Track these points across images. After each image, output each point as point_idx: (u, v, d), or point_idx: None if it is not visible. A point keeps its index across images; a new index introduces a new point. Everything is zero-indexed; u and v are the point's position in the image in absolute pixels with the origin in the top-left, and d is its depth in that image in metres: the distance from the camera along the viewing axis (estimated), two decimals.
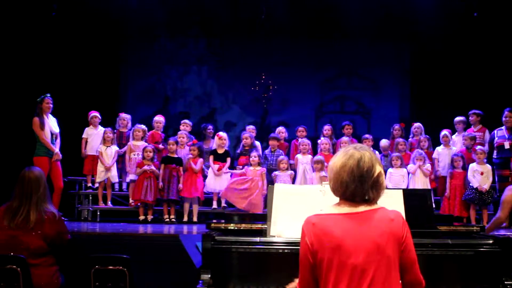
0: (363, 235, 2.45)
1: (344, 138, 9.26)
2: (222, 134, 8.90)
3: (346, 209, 2.54)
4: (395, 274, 2.46)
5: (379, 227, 2.47)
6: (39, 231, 4.09)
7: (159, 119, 9.35)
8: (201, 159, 8.52)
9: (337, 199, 2.63)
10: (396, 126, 9.71)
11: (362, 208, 2.53)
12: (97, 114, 9.17)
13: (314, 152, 9.24)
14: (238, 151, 9.05)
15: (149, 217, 8.38)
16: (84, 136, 9.08)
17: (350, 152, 2.55)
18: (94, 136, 9.04)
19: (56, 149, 8.15)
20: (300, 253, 2.55)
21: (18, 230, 4.08)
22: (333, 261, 2.44)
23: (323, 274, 2.47)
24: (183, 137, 8.95)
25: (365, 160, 2.52)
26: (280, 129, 9.75)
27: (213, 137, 9.27)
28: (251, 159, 8.52)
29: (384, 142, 9.31)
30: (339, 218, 2.51)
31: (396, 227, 2.48)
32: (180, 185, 8.33)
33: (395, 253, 2.45)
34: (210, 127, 9.66)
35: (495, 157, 8.61)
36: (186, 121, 9.62)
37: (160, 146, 9.02)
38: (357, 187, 2.51)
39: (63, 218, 4.50)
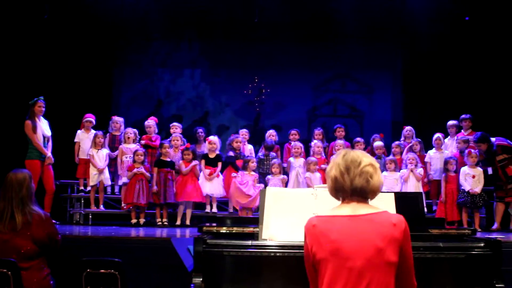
0: (363, 238, 2.45)
1: (339, 141, 9.27)
2: (212, 138, 8.88)
3: (347, 210, 2.55)
4: (392, 279, 2.46)
5: (380, 232, 2.46)
6: (27, 233, 4.06)
7: (148, 123, 9.34)
8: (192, 162, 8.51)
9: (333, 202, 2.65)
10: (376, 137, 9.55)
11: (364, 211, 2.53)
12: (91, 119, 9.12)
13: (307, 155, 9.24)
14: (232, 154, 9.01)
15: (141, 221, 8.36)
16: (76, 140, 9.04)
17: (337, 153, 2.64)
18: (86, 140, 9.00)
19: (49, 152, 8.13)
20: (304, 254, 2.60)
21: (7, 233, 4.05)
22: (331, 263, 2.45)
23: (321, 275, 2.48)
24: (178, 140, 8.95)
25: (350, 153, 2.58)
26: (271, 132, 9.72)
27: (204, 141, 9.25)
28: (251, 164, 8.50)
29: (377, 143, 9.27)
30: (340, 220, 2.52)
31: (398, 231, 2.47)
32: (174, 189, 8.33)
33: (395, 257, 2.45)
34: (200, 130, 9.63)
35: None
36: (176, 123, 9.59)
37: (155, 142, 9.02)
38: (345, 178, 2.53)
39: (54, 221, 4.48)
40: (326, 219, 2.55)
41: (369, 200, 2.59)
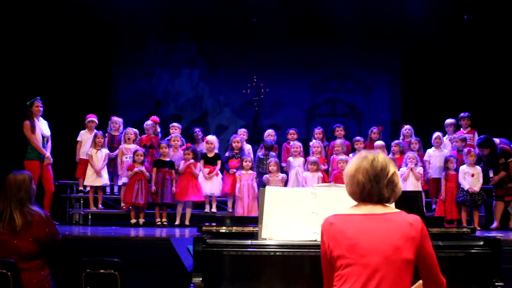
0: (380, 236, 2.49)
1: (338, 141, 9.24)
2: (209, 138, 8.90)
3: (364, 210, 2.59)
4: (408, 277, 2.49)
5: (398, 230, 2.50)
6: (28, 233, 4.06)
7: (147, 126, 9.34)
8: (199, 163, 8.55)
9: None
10: (374, 130, 9.70)
11: (381, 210, 2.58)
12: (94, 118, 9.13)
13: (306, 154, 9.24)
14: (228, 154, 9.02)
15: (141, 221, 8.37)
16: (78, 139, 9.05)
17: (363, 155, 2.63)
18: (88, 140, 9.01)
19: (47, 153, 8.12)
20: (321, 252, 2.63)
21: (6, 233, 4.05)
22: (347, 259, 2.48)
23: (337, 272, 2.52)
24: (177, 140, 8.95)
25: (378, 160, 2.59)
26: (269, 131, 9.72)
27: (202, 140, 9.27)
28: (245, 163, 8.51)
29: (378, 142, 9.27)
30: (357, 219, 2.56)
31: (414, 231, 2.50)
32: (174, 188, 8.33)
33: (411, 256, 2.48)
34: (197, 129, 9.63)
35: None
36: (175, 124, 9.59)
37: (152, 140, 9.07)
38: (373, 187, 2.56)
39: (54, 222, 4.47)
40: (343, 217, 2.59)
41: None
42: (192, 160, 8.53)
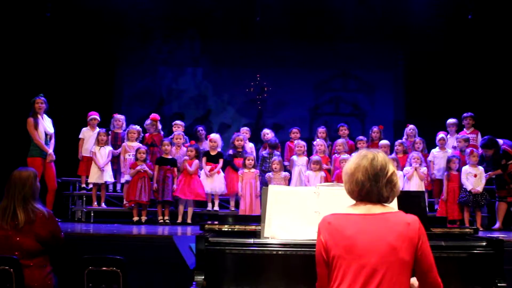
0: (377, 236, 2.48)
1: (339, 140, 9.23)
2: (213, 136, 8.90)
3: (362, 209, 2.59)
4: (406, 278, 2.49)
5: (395, 230, 2.49)
6: (30, 231, 4.06)
7: (147, 125, 9.32)
8: (196, 161, 8.54)
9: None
10: (375, 129, 9.68)
11: (378, 210, 2.57)
12: (96, 116, 9.14)
13: (309, 153, 9.24)
14: (231, 152, 9.02)
15: (143, 218, 8.38)
16: (81, 136, 9.06)
17: (363, 153, 2.63)
18: (90, 138, 9.02)
19: (50, 150, 8.14)
20: (316, 251, 2.62)
21: (9, 230, 4.06)
22: (345, 259, 2.48)
23: (334, 271, 2.51)
24: (180, 138, 8.95)
25: (378, 159, 2.59)
26: (265, 131, 9.71)
27: (206, 138, 9.27)
28: (247, 161, 8.52)
29: (383, 142, 9.26)
30: (355, 218, 2.56)
31: (412, 231, 2.50)
32: (175, 186, 8.34)
33: (409, 257, 2.48)
34: (201, 128, 9.64)
35: None
36: (178, 122, 9.59)
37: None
38: (372, 186, 2.56)
39: (57, 219, 4.47)
40: (342, 216, 2.59)
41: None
42: (187, 157, 8.53)
